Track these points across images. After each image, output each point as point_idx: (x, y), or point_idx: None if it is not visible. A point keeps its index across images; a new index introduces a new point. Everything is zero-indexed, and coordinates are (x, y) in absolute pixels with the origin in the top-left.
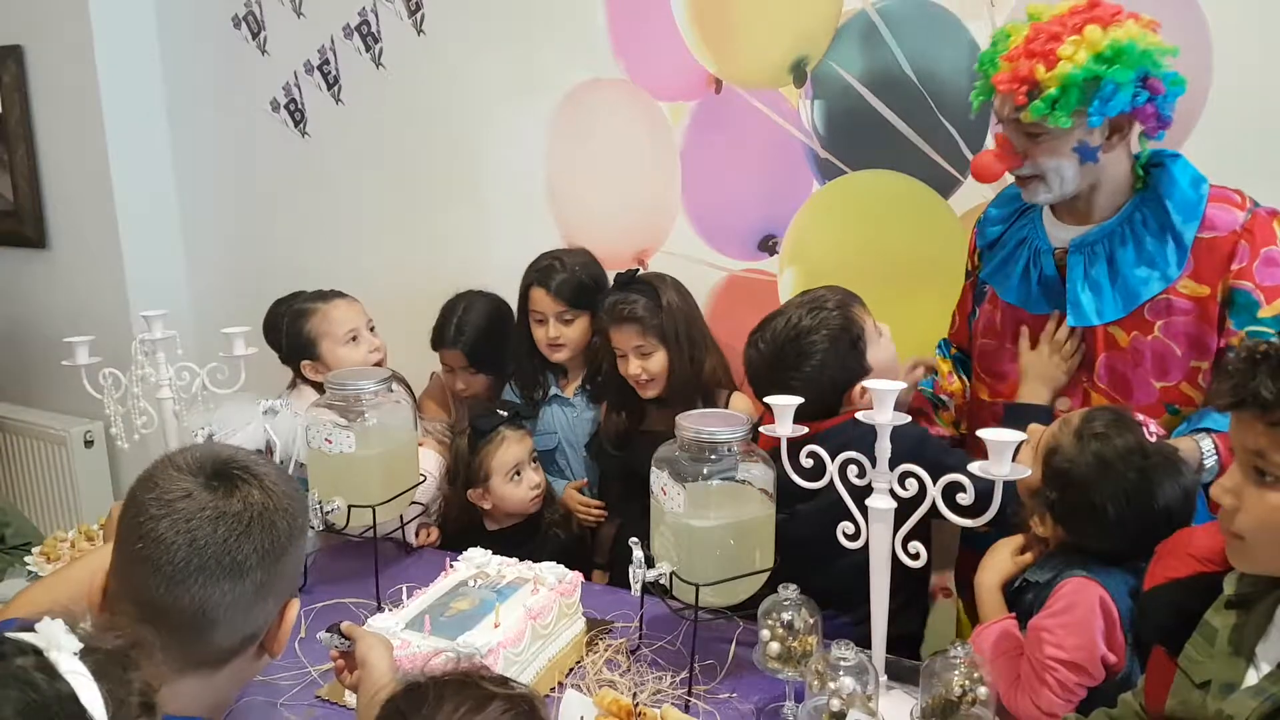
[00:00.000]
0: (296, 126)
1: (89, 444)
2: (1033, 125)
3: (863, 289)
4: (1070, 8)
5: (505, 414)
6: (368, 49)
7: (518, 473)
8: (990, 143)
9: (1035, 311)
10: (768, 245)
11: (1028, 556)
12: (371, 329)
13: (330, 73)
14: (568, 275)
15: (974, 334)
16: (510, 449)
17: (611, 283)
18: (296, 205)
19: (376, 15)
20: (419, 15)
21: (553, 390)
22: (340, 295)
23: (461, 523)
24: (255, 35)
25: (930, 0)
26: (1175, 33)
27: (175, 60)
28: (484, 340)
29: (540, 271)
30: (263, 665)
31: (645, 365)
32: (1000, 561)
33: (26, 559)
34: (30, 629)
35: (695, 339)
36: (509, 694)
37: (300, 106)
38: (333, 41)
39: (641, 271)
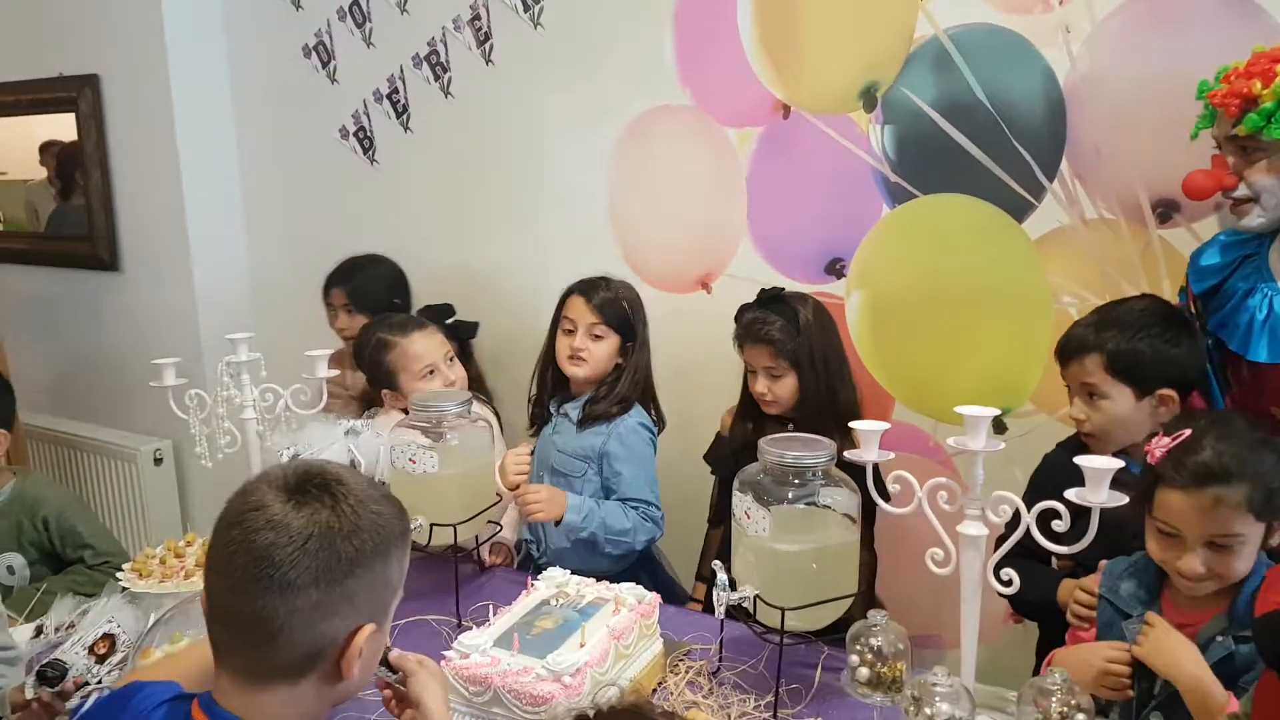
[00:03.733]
0: (365, 154)
1: (158, 462)
2: (1248, 139)
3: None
4: None
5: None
6: (437, 78)
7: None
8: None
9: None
10: (835, 269)
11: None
12: (450, 360)
13: (399, 101)
14: (610, 293)
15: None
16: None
17: (755, 298)
18: (363, 231)
19: (446, 46)
20: (488, 45)
21: (555, 400)
22: (419, 327)
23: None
24: (325, 65)
25: (1004, 27)
26: None
27: (246, 88)
28: (368, 285)
29: (585, 283)
30: (348, 689)
31: (772, 387)
32: (1181, 644)
33: (119, 575)
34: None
35: (831, 368)
36: None
37: (369, 134)
38: (402, 71)
39: (785, 291)
